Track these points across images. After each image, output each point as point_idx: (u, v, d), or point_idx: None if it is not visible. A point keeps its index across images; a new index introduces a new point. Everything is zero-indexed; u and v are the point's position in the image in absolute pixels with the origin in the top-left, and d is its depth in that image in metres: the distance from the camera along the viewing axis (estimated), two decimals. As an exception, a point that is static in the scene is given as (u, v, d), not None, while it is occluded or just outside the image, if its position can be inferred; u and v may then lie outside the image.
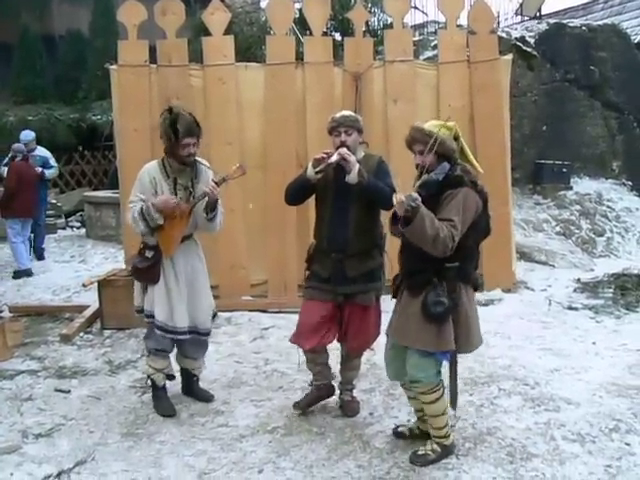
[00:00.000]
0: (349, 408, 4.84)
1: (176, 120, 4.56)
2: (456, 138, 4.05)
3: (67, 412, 5.00)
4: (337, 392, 4.97)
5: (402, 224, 3.73)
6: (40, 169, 10.69)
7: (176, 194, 4.72)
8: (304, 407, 4.84)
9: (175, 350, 5.07)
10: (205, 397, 5.14)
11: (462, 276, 3.97)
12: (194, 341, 4.95)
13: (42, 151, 11.21)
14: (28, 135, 11.01)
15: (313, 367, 4.84)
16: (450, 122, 4.07)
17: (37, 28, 19.40)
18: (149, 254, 4.78)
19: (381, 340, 4.94)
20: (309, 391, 4.94)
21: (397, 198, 3.67)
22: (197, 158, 4.83)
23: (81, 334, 6.89)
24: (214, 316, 5.22)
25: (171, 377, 5.11)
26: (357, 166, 4.37)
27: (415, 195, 3.66)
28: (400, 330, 4.10)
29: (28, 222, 10.24)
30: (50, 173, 11.10)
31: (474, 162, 4.17)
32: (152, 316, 4.80)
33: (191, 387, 5.22)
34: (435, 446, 4.14)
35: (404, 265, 4.14)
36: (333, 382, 4.96)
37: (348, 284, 4.53)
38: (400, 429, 4.50)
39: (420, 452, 4.14)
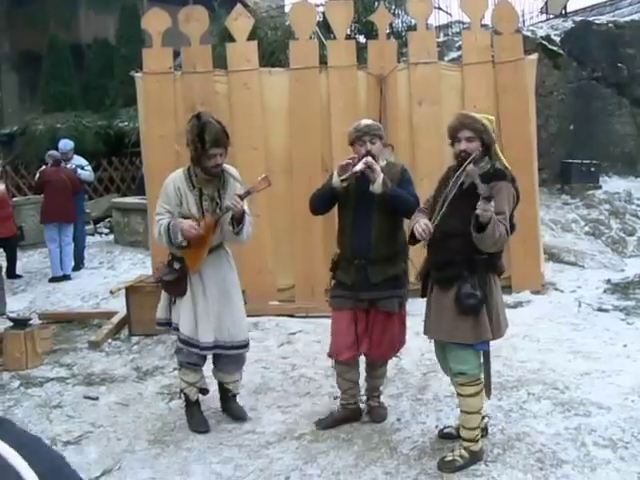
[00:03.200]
0: (376, 414, 4.81)
1: (204, 129, 4.40)
2: (493, 132, 4.13)
3: (95, 419, 5.04)
4: (364, 398, 4.94)
5: (476, 230, 3.75)
6: (74, 167, 10.85)
7: (202, 205, 4.60)
8: (327, 427, 4.72)
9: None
10: (238, 416, 4.92)
11: (490, 267, 4.02)
12: (227, 356, 4.79)
13: (78, 160, 11.34)
14: (67, 145, 11.15)
15: (342, 383, 4.75)
16: (490, 116, 4.22)
17: (65, 37, 19.66)
18: (177, 265, 4.66)
19: (407, 345, 4.92)
20: (335, 410, 4.85)
21: (484, 209, 3.64)
22: (225, 166, 4.69)
23: (109, 341, 6.94)
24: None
25: (204, 391, 4.94)
26: (382, 175, 4.36)
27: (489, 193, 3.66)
28: (436, 326, 4.13)
29: (64, 227, 10.35)
30: (84, 174, 11.10)
31: (503, 159, 4.21)
32: (179, 329, 4.69)
33: (226, 403, 5.03)
34: (463, 452, 4.09)
35: (433, 259, 4.15)
36: (361, 404, 4.88)
37: (371, 290, 4.50)
38: (447, 430, 4.49)
39: (448, 458, 4.10)
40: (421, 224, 3.99)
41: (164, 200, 4.65)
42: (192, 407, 4.88)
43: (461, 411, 4.15)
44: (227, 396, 5.03)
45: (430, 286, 4.19)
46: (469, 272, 3.92)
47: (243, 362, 5.00)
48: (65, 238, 10.35)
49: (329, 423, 4.74)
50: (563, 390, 5.14)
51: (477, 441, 4.13)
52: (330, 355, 4.74)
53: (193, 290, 4.66)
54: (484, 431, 4.35)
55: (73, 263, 10.65)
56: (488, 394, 4.21)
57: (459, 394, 4.12)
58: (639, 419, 4.56)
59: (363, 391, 4.96)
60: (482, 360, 4.11)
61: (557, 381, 5.32)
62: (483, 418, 4.34)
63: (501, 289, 4.22)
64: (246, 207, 4.62)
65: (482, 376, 4.10)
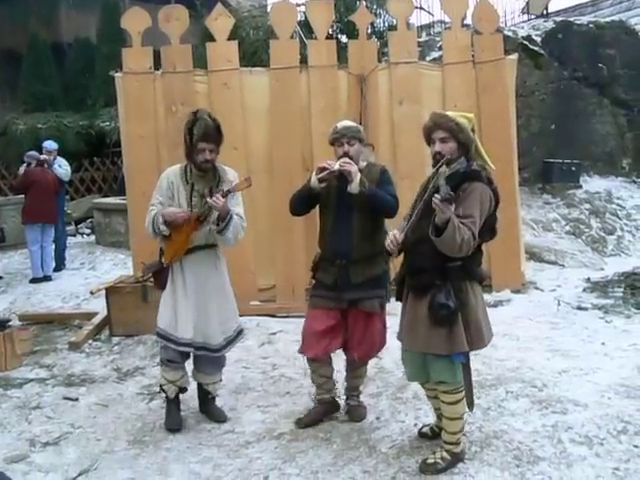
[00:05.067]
0: (356, 413, 4.82)
1: (194, 124, 4.49)
2: (472, 131, 3.98)
3: (75, 420, 5.02)
4: (343, 397, 4.96)
5: (434, 233, 3.69)
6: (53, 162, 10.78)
7: (191, 200, 4.62)
8: (308, 424, 4.73)
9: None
10: (217, 417, 4.92)
11: (466, 274, 3.91)
12: (205, 357, 4.80)
13: (60, 160, 11.22)
14: (53, 144, 11.12)
15: (316, 379, 4.79)
16: (469, 114, 4.06)
17: (45, 36, 19.54)
18: (163, 259, 4.71)
19: (388, 344, 4.93)
20: (313, 407, 4.89)
21: (441, 209, 3.60)
22: (221, 166, 4.73)
23: (90, 341, 6.92)
24: (240, 333, 4.96)
25: (183, 390, 4.94)
26: (359, 176, 4.38)
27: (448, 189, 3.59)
28: (410, 335, 4.05)
29: (47, 228, 10.33)
30: (59, 171, 10.88)
31: (487, 158, 4.09)
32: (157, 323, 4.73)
33: (204, 405, 5.03)
34: (445, 454, 4.07)
35: (407, 265, 4.08)
36: (337, 398, 4.91)
37: (352, 290, 4.51)
38: (424, 429, 4.48)
39: (430, 461, 4.07)
40: (390, 236, 3.95)
41: (158, 192, 4.71)
42: (170, 404, 4.89)
43: (443, 416, 4.11)
44: (206, 398, 5.03)
45: (406, 292, 4.11)
46: (442, 280, 3.83)
47: (223, 364, 5.00)
48: (47, 239, 10.34)
49: (309, 421, 4.75)
50: (541, 388, 5.18)
51: (459, 443, 4.11)
52: (300, 352, 4.77)
53: (174, 285, 4.68)
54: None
55: (54, 264, 10.60)
56: (470, 407, 4.10)
57: (441, 400, 4.07)
58: (615, 416, 4.60)
59: (343, 390, 4.97)
60: (462, 372, 4.01)
61: (535, 379, 5.36)
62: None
63: (482, 296, 4.09)
64: (241, 210, 4.64)
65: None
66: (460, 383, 4.00)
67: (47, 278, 10.14)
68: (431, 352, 3.93)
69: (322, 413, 4.81)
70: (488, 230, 3.98)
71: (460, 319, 3.84)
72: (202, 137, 4.48)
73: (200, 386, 5.02)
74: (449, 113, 4.01)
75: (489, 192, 3.88)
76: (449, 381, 3.97)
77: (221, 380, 5.09)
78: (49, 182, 10.31)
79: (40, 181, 10.18)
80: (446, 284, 3.83)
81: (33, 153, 10.71)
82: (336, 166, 4.38)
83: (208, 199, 4.46)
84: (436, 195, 3.61)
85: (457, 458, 4.10)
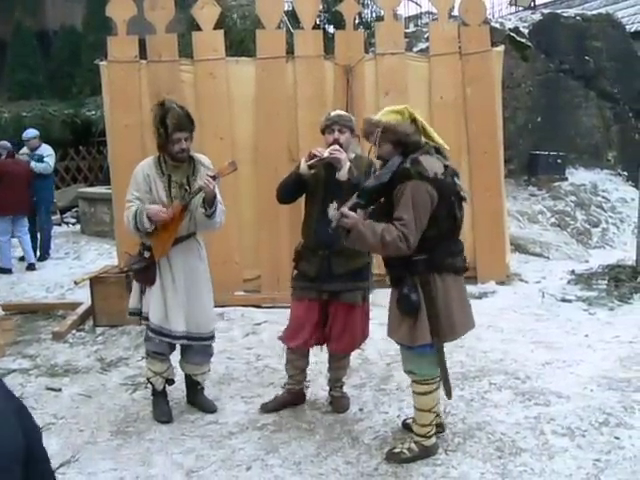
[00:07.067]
0: (339, 404, 4.83)
1: (165, 115, 4.41)
2: (413, 120, 3.90)
3: (58, 411, 4.99)
4: (327, 388, 4.97)
5: (344, 237, 3.77)
6: (30, 161, 10.53)
7: (170, 192, 4.57)
8: (271, 410, 4.82)
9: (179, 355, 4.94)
10: (207, 409, 4.91)
11: (433, 267, 3.87)
12: (196, 346, 4.79)
13: (45, 149, 11.03)
14: (29, 133, 10.96)
15: (290, 369, 4.84)
16: (399, 106, 3.99)
17: (31, 24, 19.33)
18: (147, 254, 4.64)
19: (372, 335, 4.93)
20: (279, 394, 4.95)
21: (332, 211, 3.78)
22: (195, 155, 4.70)
23: (73, 332, 6.86)
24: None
25: (170, 381, 4.93)
26: (348, 163, 4.39)
27: (345, 212, 3.72)
28: (388, 323, 4.12)
29: (19, 219, 10.21)
30: (39, 166, 10.54)
31: (438, 139, 3.98)
32: (149, 318, 4.67)
33: (194, 396, 5.01)
34: (412, 445, 4.07)
35: (383, 258, 4.14)
36: (305, 390, 4.99)
37: (334, 281, 4.50)
38: (408, 421, 4.47)
39: (395, 450, 4.10)
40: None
41: (134, 187, 4.63)
42: (158, 397, 4.88)
43: (414, 407, 4.14)
44: (195, 389, 5.02)
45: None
46: (410, 273, 3.85)
47: (211, 354, 5.00)
48: (21, 229, 10.22)
49: (273, 406, 4.85)
50: (524, 380, 5.21)
51: (429, 437, 4.10)
52: (281, 339, 4.82)
53: (162, 279, 4.64)
54: (440, 427, 4.32)
55: (38, 253, 10.52)
56: (448, 395, 4.12)
57: (413, 390, 4.12)
58: (597, 408, 4.63)
59: (326, 381, 4.98)
60: (438, 363, 4.00)
61: (519, 371, 5.38)
62: (438, 415, 4.30)
63: (460, 287, 4.05)
64: (218, 195, 4.59)
65: (435, 376, 4.03)
66: (427, 376, 4.01)
67: (31, 267, 10.07)
68: (398, 341, 4.02)
69: (288, 402, 4.89)
70: (444, 219, 3.87)
71: (424, 312, 3.84)
72: (177, 127, 4.43)
73: (188, 377, 5.01)
74: (379, 115, 3.96)
75: (425, 187, 3.73)
76: (416, 372, 4.02)
77: (209, 370, 5.07)
78: (21, 173, 10.12)
79: (11, 172, 9.98)
80: (413, 277, 3.86)
81: (4, 143, 10.51)
82: (325, 153, 4.39)
83: (200, 182, 4.42)
84: (331, 206, 3.82)
85: (427, 451, 4.08)
